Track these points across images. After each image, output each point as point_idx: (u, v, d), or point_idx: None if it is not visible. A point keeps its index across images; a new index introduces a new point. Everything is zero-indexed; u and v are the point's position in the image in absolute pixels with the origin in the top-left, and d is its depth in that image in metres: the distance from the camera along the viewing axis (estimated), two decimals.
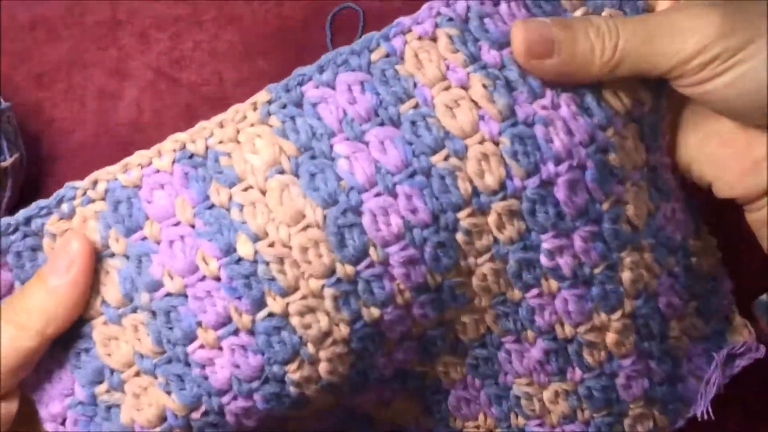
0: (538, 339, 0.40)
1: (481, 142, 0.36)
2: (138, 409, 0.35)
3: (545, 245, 0.37)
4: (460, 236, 0.36)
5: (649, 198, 0.41)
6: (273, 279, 0.35)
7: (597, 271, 0.39)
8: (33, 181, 0.62)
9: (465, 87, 0.36)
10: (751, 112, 0.38)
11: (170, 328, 0.35)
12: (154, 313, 0.35)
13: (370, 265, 0.35)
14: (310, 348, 0.36)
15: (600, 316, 0.40)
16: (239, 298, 0.35)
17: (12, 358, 0.34)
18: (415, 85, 0.36)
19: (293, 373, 0.36)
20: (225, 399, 0.35)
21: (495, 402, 0.42)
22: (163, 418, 0.35)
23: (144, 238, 0.36)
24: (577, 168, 0.37)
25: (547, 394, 0.41)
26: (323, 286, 0.35)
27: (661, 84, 0.39)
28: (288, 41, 0.66)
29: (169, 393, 0.35)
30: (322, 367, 0.36)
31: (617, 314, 0.40)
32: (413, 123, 0.36)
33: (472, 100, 0.36)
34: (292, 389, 0.36)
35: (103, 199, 0.36)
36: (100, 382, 0.36)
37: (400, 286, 0.36)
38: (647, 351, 0.42)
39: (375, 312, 0.36)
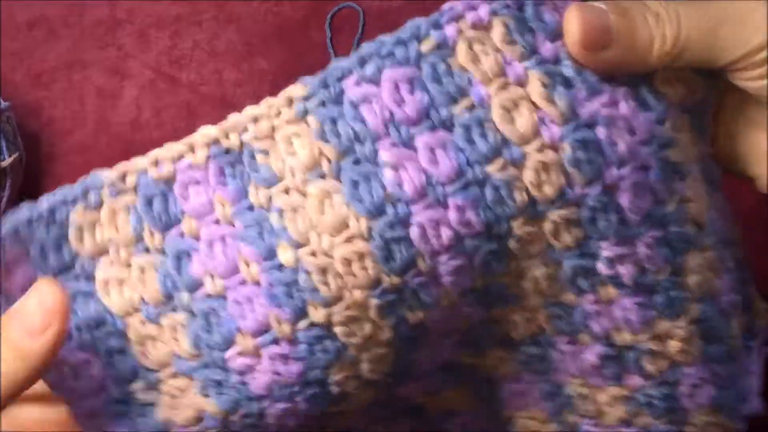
0: (594, 344, 0.37)
1: (541, 149, 0.32)
2: (174, 409, 0.34)
3: (605, 253, 0.34)
4: (512, 243, 0.34)
5: (705, 192, 0.37)
6: (315, 289, 0.33)
7: (661, 277, 0.35)
8: (32, 181, 0.62)
9: (523, 84, 0.33)
10: None
11: (209, 332, 0.33)
12: (193, 314, 0.33)
13: (418, 275, 0.33)
14: (352, 351, 0.34)
15: (663, 323, 0.36)
16: (279, 306, 0.33)
17: None
18: (470, 81, 0.33)
19: (335, 374, 0.34)
20: (265, 403, 0.34)
21: (547, 398, 0.40)
22: (199, 419, 0.34)
23: (182, 235, 0.34)
24: (640, 169, 0.34)
25: (602, 397, 0.39)
26: (368, 297, 0.33)
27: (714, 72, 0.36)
28: (287, 40, 0.66)
29: (206, 396, 0.34)
30: (364, 367, 0.35)
31: (682, 321, 0.36)
32: (467, 128, 0.32)
33: (531, 101, 0.33)
34: (334, 389, 0.35)
35: (134, 192, 0.34)
36: (135, 380, 0.34)
37: (448, 289, 0.34)
38: (713, 356, 0.38)
39: (420, 314, 0.34)
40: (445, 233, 0.32)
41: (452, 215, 0.32)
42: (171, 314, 0.34)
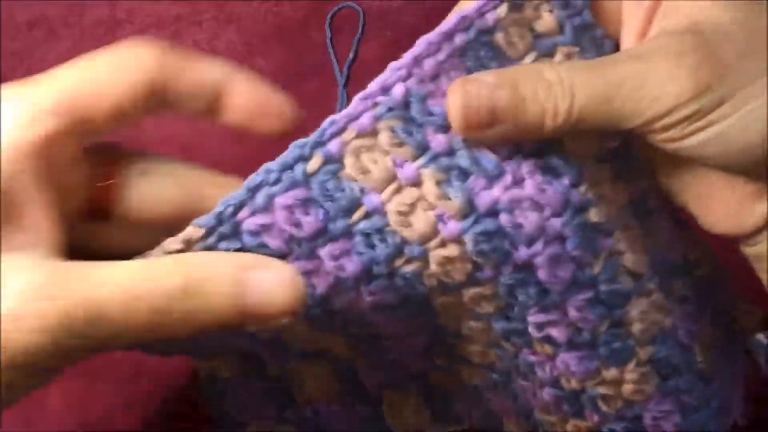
0: (546, 388, 0.36)
1: (442, 245, 0.32)
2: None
3: (532, 319, 0.34)
4: (437, 305, 0.34)
5: (645, 234, 0.37)
6: None
7: (600, 332, 0.35)
8: None
9: (416, 185, 0.32)
10: (732, 170, 0.34)
11: None
12: None
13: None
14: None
15: (610, 371, 0.36)
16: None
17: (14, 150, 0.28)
18: (362, 191, 0.32)
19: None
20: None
21: (521, 416, 0.39)
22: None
23: None
24: (555, 241, 0.33)
25: (569, 427, 0.38)
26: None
27: None
28: (287, 40, 0.66)
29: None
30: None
31: (631, 365, 0.36)
32: (367, 235, 0.32)
33: (427, 201, 0.32)
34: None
35: None
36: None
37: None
38: (674, 388, 0.37)
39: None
40: (376, 319, 0.33)
41: (366, 299, 0.33)
42: None
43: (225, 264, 0.29)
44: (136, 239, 0.32)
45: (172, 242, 0.31)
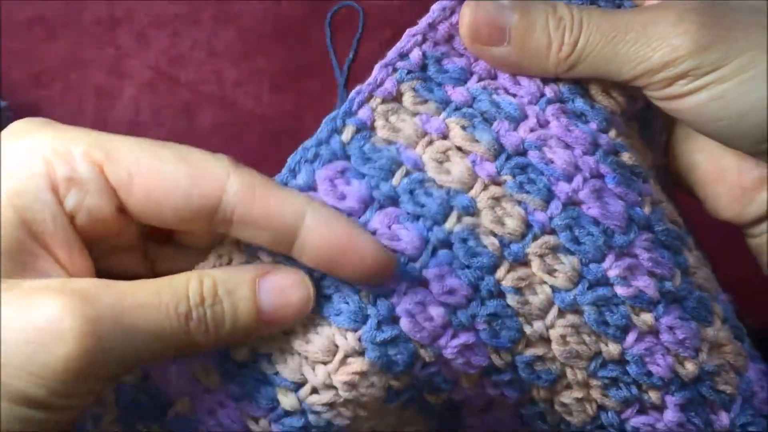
0: (666, 396, 0.34)
1: (485, 188, 0.32)
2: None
3: (612, 272, 0.33)
4: (510, 299, 0.32)
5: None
6: (329, 423, 0.32)
7: (678, 282, 0.34)
8: None
9: (446, 136, 0.33)
10: (730, 139, 0.33)
11: None
12: None
13: (425, 366, 0.32)
14: None
15: (707, 332, 0.34)
16: None
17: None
18: (398, 151, 0.32)
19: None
20: None
21: None
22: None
23: None
24: (593, 178, 0.33)
25: None
26: (384, 404, 0.32)
27: None
28: (287, 40, 0.66)
29: None
30: None
31: (717, 323, 0.35)
32: (412, 193, 0.32)
33: (458, 147, 0.33)
34: None
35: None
36: None
37: (463, 378, 0.33)
38: (750, 353, 0.36)
39: (442, 396, 0.33)
40: (435, 311, 0.31)
41: (434, 288, 0.31)
42: None
43: (241, 271, 0.30)
44: (198, 261, 0.32)
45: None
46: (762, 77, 0.32)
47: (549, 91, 0.34)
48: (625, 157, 0.34)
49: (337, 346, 0.31)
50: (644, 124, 0.37)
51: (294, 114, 0.65)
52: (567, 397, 0.34)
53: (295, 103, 0.64)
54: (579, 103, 0.34)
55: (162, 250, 0.32)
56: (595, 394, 0.34)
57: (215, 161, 0.29)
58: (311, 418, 0.31)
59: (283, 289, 0.30)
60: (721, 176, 0.36)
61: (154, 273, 0.32)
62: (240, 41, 0.66)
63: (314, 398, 0.31)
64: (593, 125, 0.34)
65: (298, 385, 0.31)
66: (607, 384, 0.33)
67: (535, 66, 0.33)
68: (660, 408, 0.34)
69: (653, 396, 0.34)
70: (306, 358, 0.31)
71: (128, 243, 0.31)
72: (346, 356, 0.31)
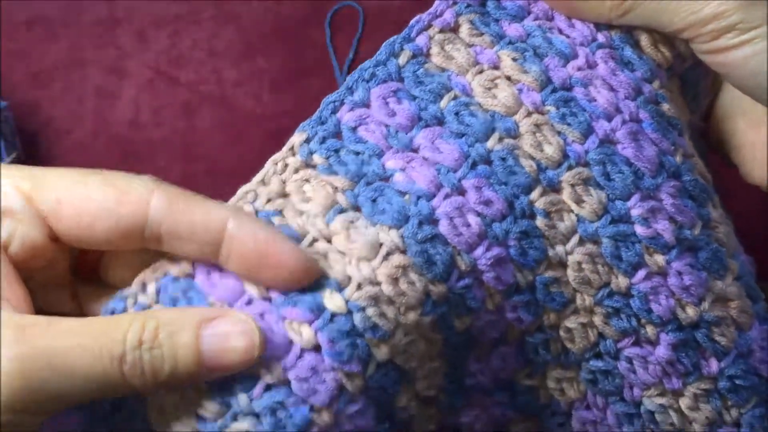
0: (662, 334, 0.36)
1: (528, 114, 0.35)
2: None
3: (635, 212, 0.35)
4: (540, 221, 0.34)
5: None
6: (374, 326, 0.32)
7: (697, 232, 0.36)
8: None
9: (497, 66, 0.35)
10: None
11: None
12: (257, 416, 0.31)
13: (461, 277, 0.33)
14: (410, 373, 0.34)
15: (716, 284, 0.36)
16: (347, 363, 0.31)
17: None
18: (449, 78, 0.35)
19: (399, 401, 0.35)
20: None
21: (625, 422, 0.38)
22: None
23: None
24: (631, 121, 0.35)
25: (685, 402, 0.37)
26: (421, 315, 0.33)
27: None
28: (287, 39, 0.66)
29: None
30: (420, 385, 0.35)
31: (729, 278, 0.37)
32: (457, 114, 0.34)
33: (507, 77, 0.35)
34: (400, 414, 0.35)
35: (156, 301, 0.32)
36: None
37: (491, 290, 0.34)
38: (761, 314, 0.38)
39: (466, 320, 0.35)
40: (473, 219, 0.33)
41: (471, 197, 0.33)
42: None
43: (186, 315, 0.29)
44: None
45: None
46: None
47: (601, 36, 0.36)
48: (665, 107, 0.36)
49: (380, 244, 0.32)
50: (689, 84, 0.38)
51: (294, 114, 0.65)
52: (573, 322, 0.36)
53: (295, 103, 0.64)
54: (628, 52, 0.36)
55: (89, 289, 0.33)
56: (598, 321, 0.36)
57: (139, 181, 0.30)
58: (357, 318, 0.31)
59: (227, 336, 0.29)
60: (760, 140, 0.37)
61: (82, 313, 0.32)
62: (240, 41, 0.66)
63: (359, 293, 0.31)
64: (638, 74, 0.36)
65: (342, 286, 0.32)
66: (610, 313, 0.36)
67: (594, 12, 0.35)
68: (654, 343, 0.36)
69: (650, 331, 0.36)
70: (351, 257, 0.32)
71: (59, 278, 0.31)
72: (389, 253, 0.32)
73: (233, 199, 0.33)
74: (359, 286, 0.32)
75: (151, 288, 0.32)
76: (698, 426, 0.37)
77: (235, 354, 0.29)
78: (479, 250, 0.33)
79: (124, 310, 0.31)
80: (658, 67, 0.36)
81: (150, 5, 0.67)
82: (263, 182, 0.34)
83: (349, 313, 0.31)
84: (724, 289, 0.36)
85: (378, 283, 0.32)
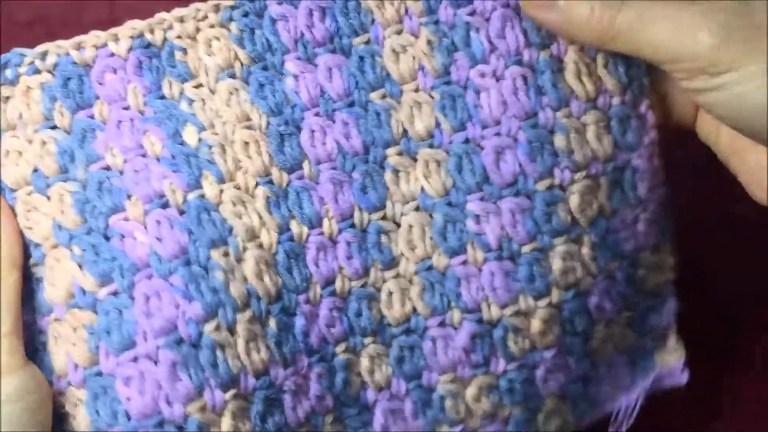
0: (465, 321, 0.39)
1: (416, 90, 0.38)
2: (52, 285, 0.35)
3: (471, 206, 0.38)
4: (388, 175, 0.38)
5: (608, 198, 0.39)
6: (213, 162, 0.36)
7: (525, 249, 0.38)
8: None
9: (415, 35, 0.38)
10: (752, 135, 0.35)
11: (99, 197, 0.35)
12: (84, 186, 0.35)
13: (302, 177, 0.37)
14: (238, 241, 0.36)
15: (527, 300, 0.39)
16: (176, 171, 0.35)
17: None
18: (372, 21, 0.38)
19: (218, 259, 0.35)
20: (137, 277, 0.34)
21: (419, 413, 0.40)
22: (72, 294, 0.35)
23: (92, 116, 0.36)
24: (506, 137, 0.38)
25: (470, 391, 0.40)
26: (257, 184, 0.37)
27: (643, 84, 0.39)
28: None
29: (80, 267, 0.35)
30: (247, 267, 0.36)
31: (544, 301, 0.39)
32: (361, 58, 0.38)
33: (416, 50, 0.38)
34: (217, 275, 0.35)
35: (51, 72, 0.36)
36: (28, 257, 0.36)
37: (329, 211, 0.37)
38: (568, 347, 0.41)
39: (304, 230, 0.37)
40: (330, 141, 0.38)
41: (337, 127, 0.38)
42: (60, 183, 0.35)
43: None
44: None
45: None
46: None
47: (527, 55, 0.38)
48: (557, 138, 0.38)
49: (249, 119, 0.38)
50: (619, 121, 0.39)
51: None
52: (393, 285, 0.38)
53: None
54: (546, 77, 0.38)
55: None
56: (414, 293, 0.39)
57: None
58: (202, 150, 0.37)
59: None
60: (758, 161, 0.37)
61: None
62: None
63: (214, 137, 0.37)
64: (545, 99, 0.38)
65: (203, 128, 0.37)
66: (425, 287, 0.39)
67: (582, 35, 0.37)
68: (456, 328, 0.39)
69: (455, 316, 0.39)
70: (220, 116, 0.38)
71: None
72: (252, 126, 0.38)
73: (148, 20, 0.38)
74: (216, 134, 0.37)
75: (51, 59, 0.37)
76: (476, 419, 0.40)
77: None
78: (325, 166, 0.37)
79: (19, 65, 0.36)
80: (572, 96, 0.39)
81: (150, 5, 0.65)
82: (182, 20, 0.38)
83: (198, 147, 0.37)
84: (532, 308, 0.39)
85: (232, 141, 0.37)
